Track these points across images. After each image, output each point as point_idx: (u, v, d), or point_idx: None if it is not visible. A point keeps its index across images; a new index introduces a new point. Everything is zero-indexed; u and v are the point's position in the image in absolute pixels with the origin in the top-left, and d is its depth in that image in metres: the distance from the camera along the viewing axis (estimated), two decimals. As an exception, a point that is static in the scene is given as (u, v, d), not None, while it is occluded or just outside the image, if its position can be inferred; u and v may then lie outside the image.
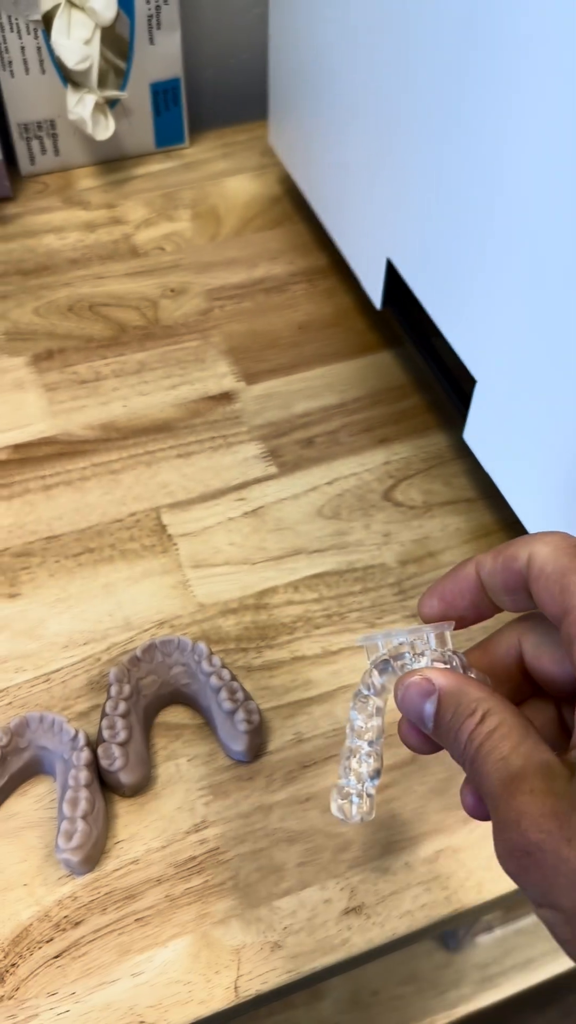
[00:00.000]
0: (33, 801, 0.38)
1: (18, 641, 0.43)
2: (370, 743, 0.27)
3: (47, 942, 0.35)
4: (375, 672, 0.27)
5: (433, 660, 0.26)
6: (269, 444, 0.51)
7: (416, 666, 0.26)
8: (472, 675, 0.26)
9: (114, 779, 0.37)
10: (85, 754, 0.37)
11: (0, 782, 0.37)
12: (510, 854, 0.22)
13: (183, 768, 0.39)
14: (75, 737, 0.37)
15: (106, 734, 0.37)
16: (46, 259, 0.60)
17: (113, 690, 0.39)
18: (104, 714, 0.38)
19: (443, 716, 0.25)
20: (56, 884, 0.36)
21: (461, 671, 0.26)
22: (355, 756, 0.27)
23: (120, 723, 0.37)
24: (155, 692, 0.40)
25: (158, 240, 0.62)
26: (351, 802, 0.27)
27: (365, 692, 0.28)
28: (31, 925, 0.35)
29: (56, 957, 0.35)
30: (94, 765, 0.37)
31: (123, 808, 0.38)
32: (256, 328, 0.57)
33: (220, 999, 0.34)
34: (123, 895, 0.36)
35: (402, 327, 0.50)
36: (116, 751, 0.37)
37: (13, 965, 0.35)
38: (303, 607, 0.44)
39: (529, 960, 0.77)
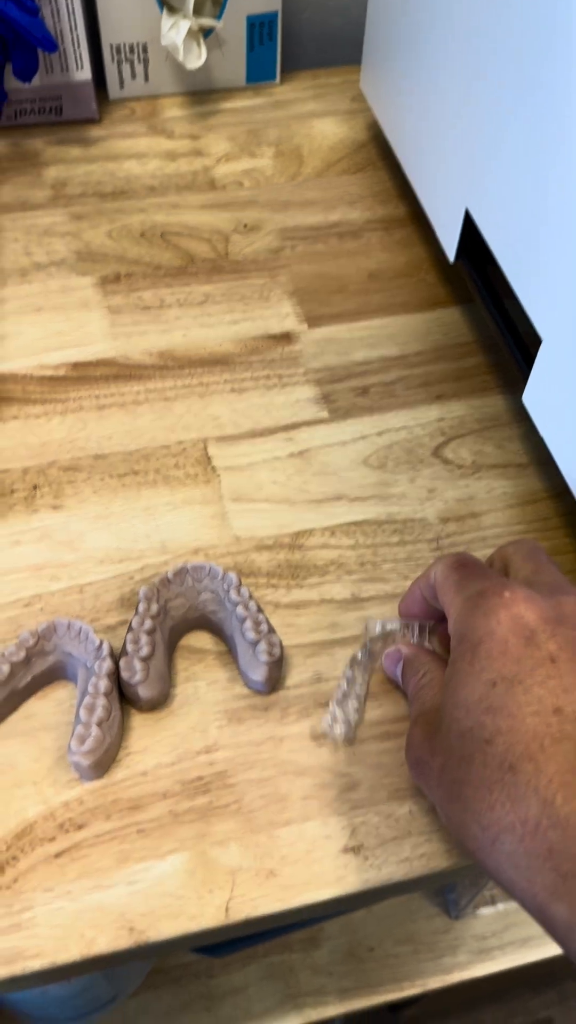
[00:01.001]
0: (53, 704, 0.39)
1: (57, 551, 0.43)
2: (356, 693, 0.39)
3: (49, 840, 0.36)
4: (370, 644, 0.40)
5: (410, 641, 0.39)
6: (323, 388, 0.51)
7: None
8: (429, 647, 0.39)
9: (133, 692, 0.38)
10: (107, 664, 0.37)
11: (23, 682, 0.38)
12: (411, 765, 0.33)
13: (201, 691, 0.40)
14: (100, 647, 0.38)
15: (130, 648, 0.38)
16: (125, 184, 0.60)
17: (141, 607, 0.39)
18: (130, 628, 0.39)
19: (404, 673, 0.37)
20: (64, 786, 0.37)
21: (426, 646, 0.39)
22: (345, 697, 0.39)
23: (144, 639, 0.38)
24: (182, 615, 0.40)
25: (238, 175, 0.61)
26: (336, 721, 0.38)
27: (359, 656, 0.40)
28: (36, 822, 0.36)
29: (56, 856, 0.36)
30: (115, 676, 0.38)
31: (138, 721, 0.39)
32: (325, 272, 0.56)
33: (210, 917, 0.35)
34: (128, 805, 0.37)
35: (472, 281, 0.49)
36: (138, 665, 0.37)
37: (14, 858, 0.36)
38: (338, 552, 0.44)
39: (528, 938, 0.77)
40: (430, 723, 0.32)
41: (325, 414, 0.50)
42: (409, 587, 0.39)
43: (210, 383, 0.51)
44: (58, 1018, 0.70)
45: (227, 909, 0.35)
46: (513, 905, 0.78)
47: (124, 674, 0.38)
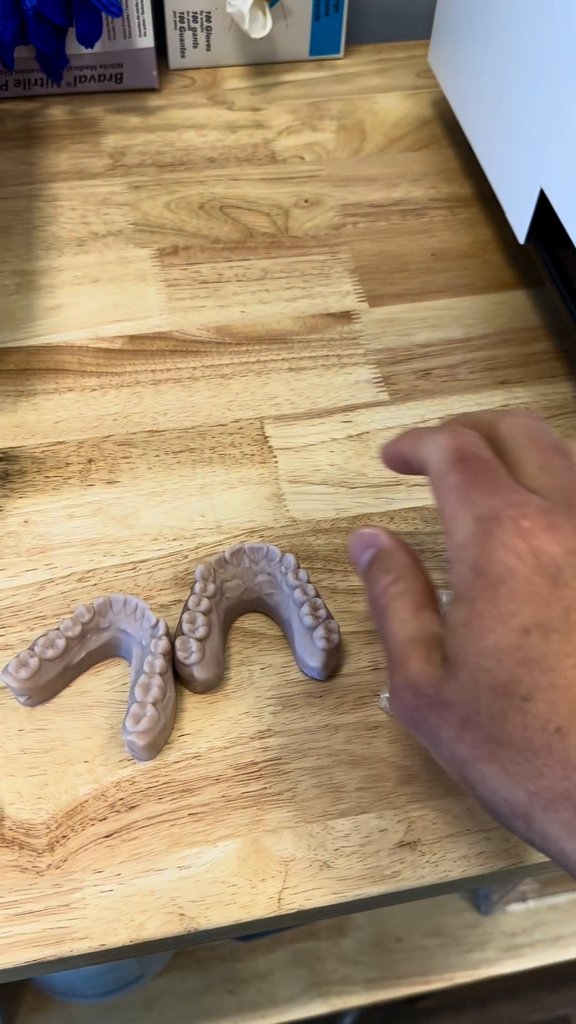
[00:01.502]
0: (106, 682, 0.38)
1: (111, 526, 0.43)
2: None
3: (100, 820, 0.35)
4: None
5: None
6: (384, 370, 0.49)
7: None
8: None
9: (188, 673, 0.37)
10: (163, 643, 0.36)
11: (78, 658, 0.38)
12: (411, 710, 0.27)
13: (255, 675, 0.39)
14: (156, 625, 0.37)
15: (186, 628, 0.37)
16: (184, 155, 0.59)
17: (197, 587, 0.38)
18: (186, 608, 0.38)
19: (372, 567, 0.31)
20: (116, 766, 0.36)
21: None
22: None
23: (200, 619, 0.37)
24: (238, 596, 0.39)
25: (299, 148, 0.60)
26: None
27: None
28: (87, 802, 0.36)
29: (107, 836, 0.35)
30: (170, 655, 0.37)
31: (192, 703, 0.38)
32: (387, 250, 0.55)
33: (263, 907, 0.34)
34: (180, 787, 0.36)
35: (544, 264, 0.47)
36: (193, 645, 0.37)
37: (64, 837, 0.35)
38: (397, 538, 0.43)
39: (559, 937, 0.76)
40: (432, 661, 0.27)
41: (385, 396, 0.48)
42: (395, 442, 0.32)
43: (268, 361, 0.49)
44: (85, 994, 0.70)
45: (279, 900, 0.34)
46: (544, 903, 0.77)
47: (180, 654, 0.37)
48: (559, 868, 0.30)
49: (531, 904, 0.77)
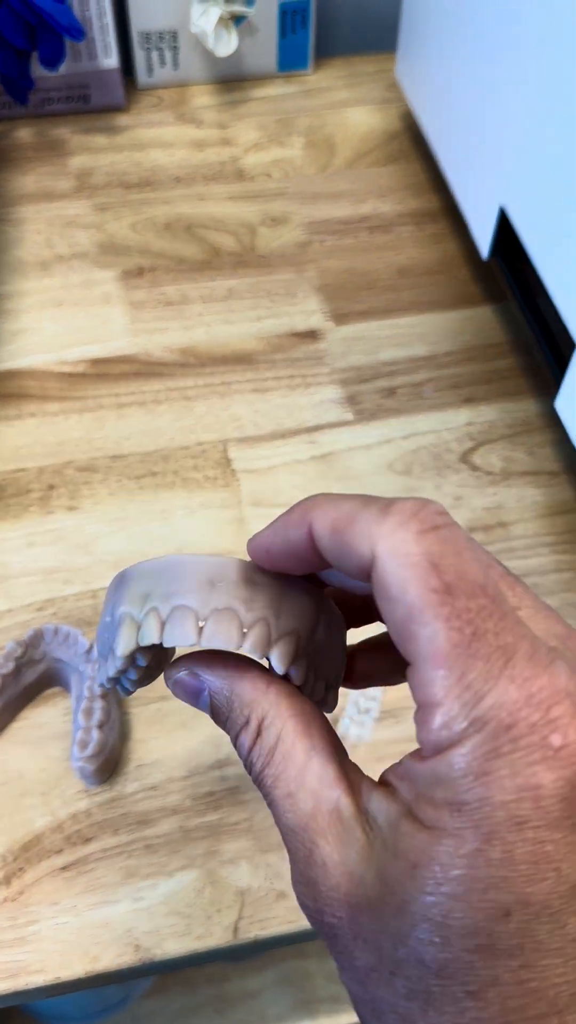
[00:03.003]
0: (62, 712, 0.38)
1: (71, 554, 0.42)
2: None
3: (56, 853, 0.35)
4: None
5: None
6: (349, 389, 0.49)
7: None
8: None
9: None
10: None
11: (15, 694, 0.37)
12: (310, 917, 0.18)
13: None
14: (89, 649, 0.37)
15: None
16: (151, 174, 0.59)
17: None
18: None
19: (219, 719, 0.21)
20: (73, 798, 0.36)
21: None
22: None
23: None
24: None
25: (266, 165, 0.60)
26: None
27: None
28: (43, 834, 0.35)
29: (63, 869, 0.35)
30: None
31: (150, 734, 0.38)
32: (354, 267, 0.54)
33: (218, 937, 0.34)
34: (137, 819, 0.36)
35: (506, 280, 0.47)
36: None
37: (20, 869, 0.35)
38: (360, 559, 0.43)
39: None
40: (343, 864, 0.18)
41: (350, 416, 0.48)
42: (281, 523, 0.20)
43: (232, 382, 0.49)
44: (71, 1017, 0.69)
45: (236, 929, 0.34)
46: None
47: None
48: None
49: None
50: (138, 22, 0.60)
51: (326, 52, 0.67)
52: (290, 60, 0.65)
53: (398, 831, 0.17)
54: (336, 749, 0.20)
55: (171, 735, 0.38)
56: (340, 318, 0.52)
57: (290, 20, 0.62)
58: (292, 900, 0.34)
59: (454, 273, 0.54)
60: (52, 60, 0.56)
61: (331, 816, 0.18)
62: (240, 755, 0.20)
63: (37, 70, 0.59)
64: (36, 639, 0.38)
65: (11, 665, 0.37)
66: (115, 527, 0.44)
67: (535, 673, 0.16)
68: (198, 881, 0.35)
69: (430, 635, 0.17)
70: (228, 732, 0.21)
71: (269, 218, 0.57)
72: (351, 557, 0.18)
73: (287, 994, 0.73)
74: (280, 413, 0.48)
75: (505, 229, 0.46)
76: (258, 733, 0.20)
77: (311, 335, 0.51)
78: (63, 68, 0.59)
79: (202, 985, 0.74)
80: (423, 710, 0.17)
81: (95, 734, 0.35)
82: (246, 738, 0.20)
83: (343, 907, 0.18)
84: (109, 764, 0.36)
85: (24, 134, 0.61)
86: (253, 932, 0.34)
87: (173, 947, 0.33)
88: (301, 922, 0.34)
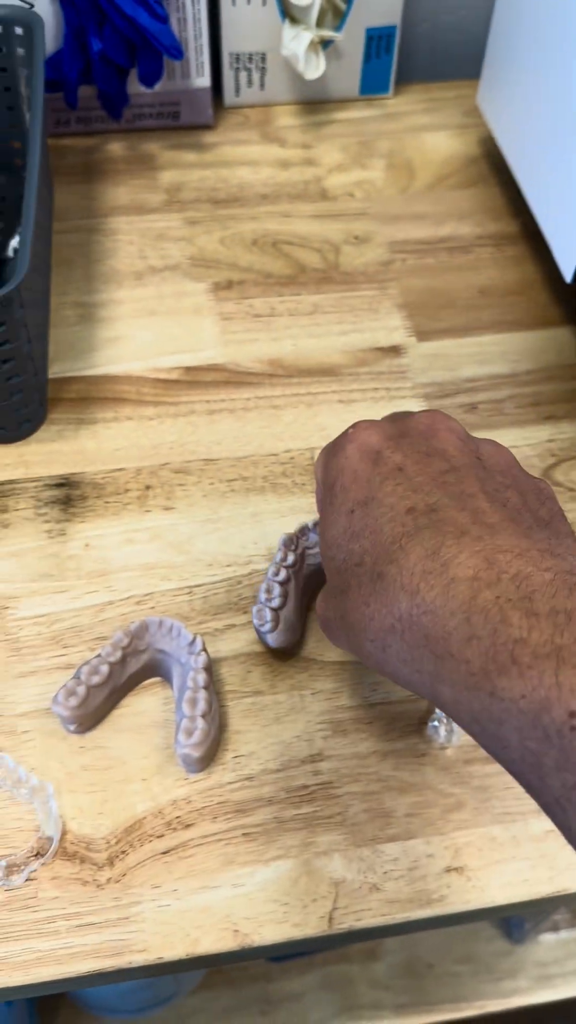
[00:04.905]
0: (161, 702, 0.40)
1: (167, 552, 0.44)
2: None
3: (158, 837, 0.37)
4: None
5: None
6: (431, 403, 0.51)
7: None
8: None
9: (262, 639, 0.40)
10: (203, 658, 0.38)
11: (120, 681, 0.39)
12: (324, 632, 0.33)
13: (307, 700, 0.40)
14: (193, 642, 0.38)
15: (262, 596, 0.40)
16: (238, 191, 0.61)
17: (278, 556, 0.41)
18: (266, 578, 0.41)
19: None
20: (173, 785, 0.38)
21: None
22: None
23: (277, 589, 0.40)
24: (318, 564, 0.41)
25: (348, 186, 0.61)
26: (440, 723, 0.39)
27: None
28: (145, 819, 0.37)
29: (164, 853, 0.36)
30: (211, 670, 0.38)
31: (244, 725, 0.39)
32: (435, 286, 0.56)
33: (314, 926, 0.35)
34: (234, 808, 0.37)
35: (591, 304, 0.48)
36: (268, 614, 0.39)
37: (123, 852, 0.36)
38: (445, 569, 0.44)
39: (592, 969, 0.76)
40: (323, 589, 0.33)
41: (433, 430, 0.49)
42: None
43: (318, 393, 0.51)
44: (119, 1009, 0.71)
45: (331, 919, 0.35)
46: (577, 933, 0.77)
47: (255, 621, 0.40)
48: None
49: (563, 934, 0.77)
50: (229, 44, 0.63)
51: (404, 78, 0.69)
52: (372, 84, 0.67)
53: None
54: None
55: (265, 729, 0.39)
56: (422, 335, 0.54)
57: (375, 45, 0.64)
58: (386, 893, 0.36)
59: (534, 295, 0.56)
60: (151, 78, 0.58)
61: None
62: None
63: (131, 87, 0.61)
64: (142, 630, 0.39)
65: (119, 654, 0.38)
66: (208, 528, 0.45)
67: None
68: (294, 871, 0.36)
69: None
70: None
71: (352, 236, 0.58)
72: None
73: (330, 998, 0.74)
74: (365, 425, 0.49)
75: (592, 254, 0.47)
76: None
77: (394, 350, 0.53)
78: (156, 86, 0.61)
79: (246, 984, 0.75)
80: None
81: (200, 723, 0.36)
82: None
83: (320, 609, 0.33)
84: (210, 753, 0.37)
85: (115, 148, 0.63)
86: (348, 922, 0.35)
87: (271, 934, 0.35)
88: (395, 915, 0.35)
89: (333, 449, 0.33)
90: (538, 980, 0.76)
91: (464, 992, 0.76)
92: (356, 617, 0.29)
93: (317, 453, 0.48)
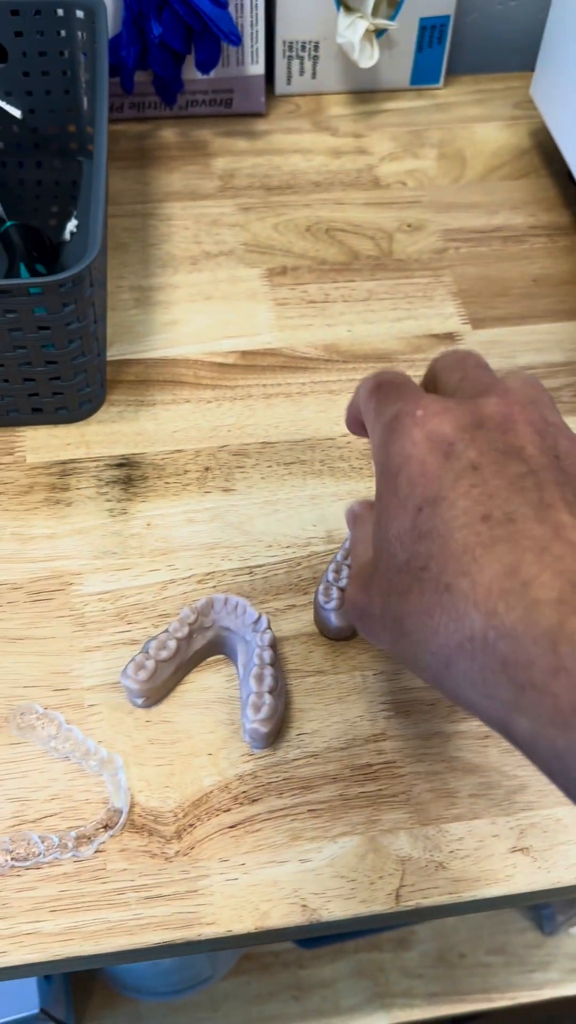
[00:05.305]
0: (224, 678, 0.40)
1: (228, 532, 0.44)
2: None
3: (225, 811, 0.37)
4: None
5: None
6: (487, 391, 0.51)
7: None
8: None
9: (324, 617, 0.40)
10: (269, 635, 0.38)
11: (187, 657, 0.39)
12: (355, 620, 0.31)
13: (368, 680, 0.40)
14: (258, 620, 0.39)
15: (331, 576, 0.41)
16: (290, 178, 0.61)
17: (349, 539, 0.41)
18: (335, 560, 0.41)
19: (351, 529, 0.35)
20: (238, 760, 0.38)
21: None
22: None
23: (347, 571, 0.40)
24: None
25: (400, 175, 0.62)
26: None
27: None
28: (211, 793, 0.37)
29: (231, 827, 0.37)
30: (276, 647, 0.39)
31: (308, 703, 0.39)
32: (489, 274, 0.56)
33: (381, 903, 0.35)
34: (300, 784, 0.37)
35: None
36: (334, 592, 0.40)
37: (191, 825, 0.37)
38: (504, 554, 0.44)
39: (625, 962, 0.76)
40: (364, 574, 0.30)
41: (489, 417, 0.50)
42: (347, 408, 0.34)
43: (374, 379, 0.51)
44: (154, 991, 0.71)
45: (398, 896, 0.35)
46: (609, 927, 0.77)
47: (320, 598, 0.40)
48: None
49: (595, 927, 0.77)
50: (283, 31, 0.63)
51: (455, 70, 0.69)
52: (423, 75, 0.67)
53: (374, 532, 0.30)
54: None
55: (328, 707, 0.40)
56: (477, 322, 0.54)
57: (428, 35, 0.64)
58: (452, 872, 0.36)
59: (588, 285, 0.56)
60: (208, 64, 0.58)
61: (362, 566, 0.32)
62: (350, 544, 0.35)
63: (187, 73, 0.61)
64: (207, 607, 0.39)
65: (185, 630, 0.39)
66: (267, 509, 0.45)
67: (413, 398, 0.29)
68: (360, 848, 0.36)
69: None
70: (351, 534, 0.35)
71: (405, 224, 0.59)
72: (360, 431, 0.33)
73: (362, 986, 0.75)
74: (422, 411, 0.50)
75: None
76: (361, 528, 0.35)
77: (449, 337, 0.53)
78: (211, 72, 0.62)
79: (278, 970, 0.75)
80: None
81: (267, 698, 0.37)
82: (355, 532, 0.35)
83: (362, 593, 0.30)
84: (276, 729, 0.38)
85: (168, 134, 0.63)
86: (415, 900, 0.35)
87: (339, 909, 0.35)
88: (461, 894, 0.36)
89: (395, 427, 0.28)
90: (570, 972, 0.76)
91: (495, 983, 0.76)
92: (415, 626, 0.27)
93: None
